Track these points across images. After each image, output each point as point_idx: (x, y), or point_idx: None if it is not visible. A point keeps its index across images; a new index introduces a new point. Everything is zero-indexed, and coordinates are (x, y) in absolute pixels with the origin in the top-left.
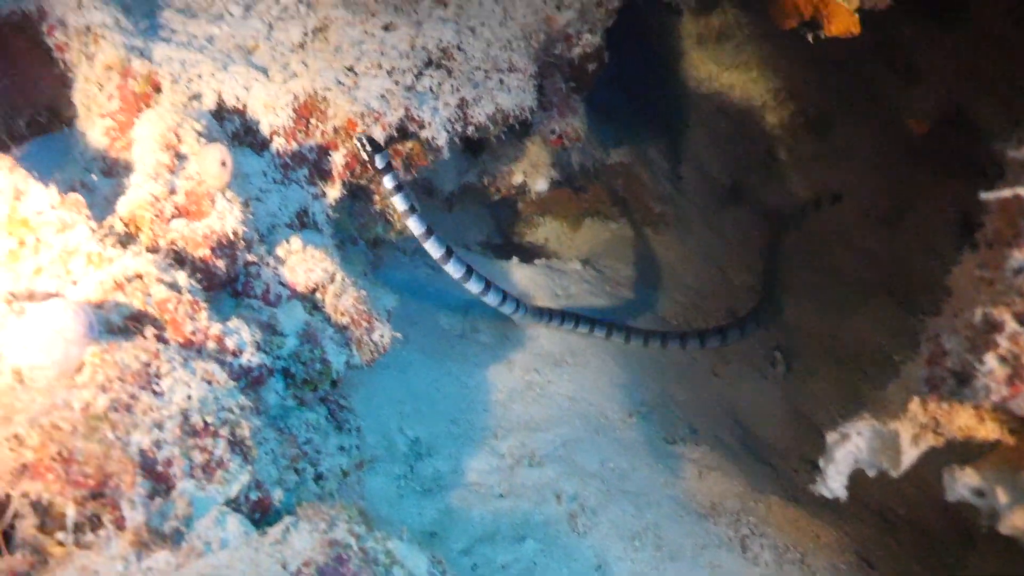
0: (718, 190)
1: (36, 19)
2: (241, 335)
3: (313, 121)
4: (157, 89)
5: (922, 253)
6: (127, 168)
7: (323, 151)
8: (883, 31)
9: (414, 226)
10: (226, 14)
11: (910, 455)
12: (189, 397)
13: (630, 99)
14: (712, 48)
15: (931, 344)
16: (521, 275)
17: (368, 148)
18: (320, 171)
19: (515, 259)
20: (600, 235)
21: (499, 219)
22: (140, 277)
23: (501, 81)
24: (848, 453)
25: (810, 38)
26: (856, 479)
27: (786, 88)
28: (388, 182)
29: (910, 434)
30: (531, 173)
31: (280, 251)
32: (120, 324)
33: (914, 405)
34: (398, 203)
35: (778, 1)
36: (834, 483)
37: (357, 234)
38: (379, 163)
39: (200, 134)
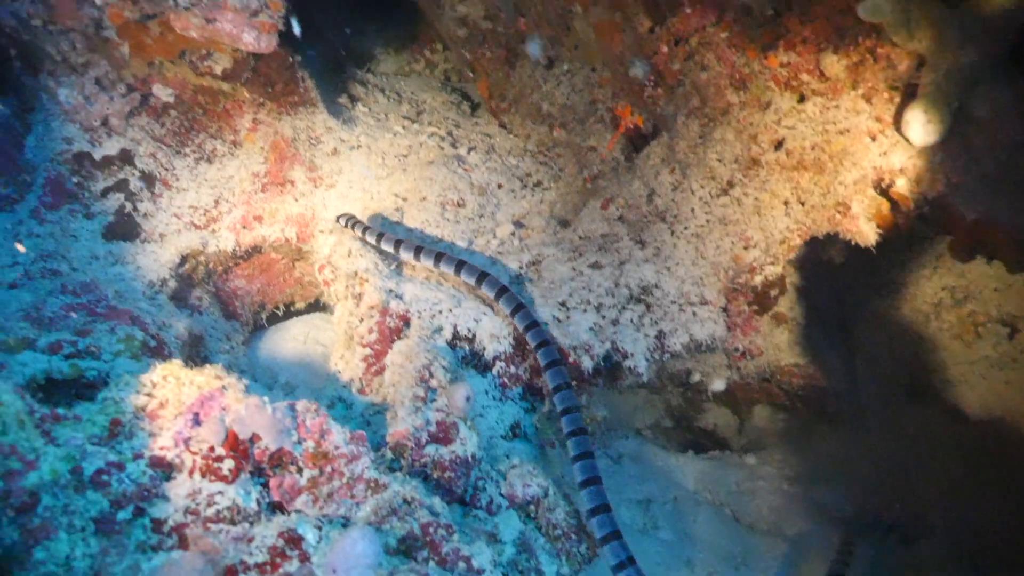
0: (897, 389)
1: (293, 244)
2: (483, 557)
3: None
4: (407, 323)
5: None
6: (380, 386)
7: (536, 372)
8: None
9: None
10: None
11: None
12: None
13: None
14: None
15: None
16: (696, 469)
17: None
18: (532, 389)
19: (690, 452)
20: (772, 426)
21: (668, 403)
22: (408, 502)
23: (694, 313)
24: None
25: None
26: None
27: (962, 286)
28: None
29: None
30: (708, 375)
31: (501, 466)
32: (395, 546)
33: None
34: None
35: (951, 241)
36: None
37: (555, 438)
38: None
39: (446, 369)
